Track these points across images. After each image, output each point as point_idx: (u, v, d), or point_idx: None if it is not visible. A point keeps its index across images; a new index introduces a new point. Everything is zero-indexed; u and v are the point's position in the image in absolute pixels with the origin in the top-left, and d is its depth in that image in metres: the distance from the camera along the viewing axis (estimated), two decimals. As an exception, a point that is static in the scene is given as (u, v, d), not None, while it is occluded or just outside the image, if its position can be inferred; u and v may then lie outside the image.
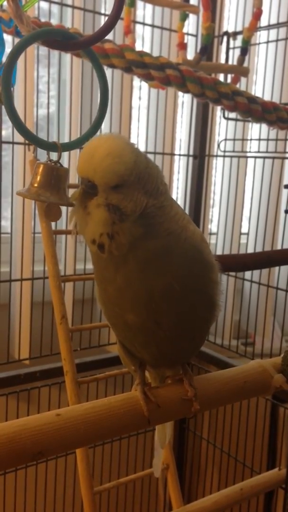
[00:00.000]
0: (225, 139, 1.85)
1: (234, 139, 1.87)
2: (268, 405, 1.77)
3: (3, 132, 1.52)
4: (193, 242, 0.67)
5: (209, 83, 0.88)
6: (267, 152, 1.92)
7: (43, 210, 0.70)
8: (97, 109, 0.69)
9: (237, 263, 1.11)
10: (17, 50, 0.62)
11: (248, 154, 1.92)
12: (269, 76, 1.86)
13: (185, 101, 1.88)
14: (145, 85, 1.80)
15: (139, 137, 1.85)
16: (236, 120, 1.67)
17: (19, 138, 1.55)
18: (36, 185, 0.67)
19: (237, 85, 1.40)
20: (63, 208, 0.75)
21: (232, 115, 1.67)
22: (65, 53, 0.74)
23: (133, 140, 1.78)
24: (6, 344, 1.66)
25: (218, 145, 1.84)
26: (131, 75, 0.88)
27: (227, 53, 1.55)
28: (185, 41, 1.43)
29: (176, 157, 1.89)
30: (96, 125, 0.69)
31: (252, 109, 0.92)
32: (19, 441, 0.59)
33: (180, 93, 1.85)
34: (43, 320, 1.65)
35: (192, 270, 0.66)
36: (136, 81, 1.77)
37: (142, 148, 1.85)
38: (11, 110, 0.63)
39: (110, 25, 0.56)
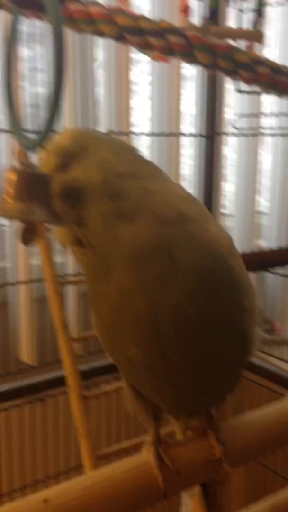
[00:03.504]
0: (240, 115, 1.66)
1: (248, 115, 1.68)
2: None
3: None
4: (214, 247, 0.50)
5: (222, 51, 0.71)
6: (282, 128, 1.74)
7: (18, 232, 0.53)
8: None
9: (260, 261, 0.95)
10: None
11: (265, 131, 1.73)
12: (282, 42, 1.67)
13: (191, 74, 1.69)
14: (145, 58, 1.62)
15: (141, 116, 1.67)
16: (253, 93, 1.48)
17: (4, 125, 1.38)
18: (11, 200, 0.50)
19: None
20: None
21: (246, 87, 1.49)
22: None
23: (134, 119, 1.61)
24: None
25: (231, 123, 1.66)
26: (125, 44, 0.71)
27: (238, 17, 1.36)
28: (189, 4, 1.25)
29: (183, 138, 1.70)
30: (52, 112, 0.51)
31: (277, 81, 0.75)
32: None
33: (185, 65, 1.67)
34: (46, 321, 1.51)
35: (212, 288, 0.49)
36: (135, 53, 1.59)
37: (145, 129, 1.67)
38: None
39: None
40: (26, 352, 1.54)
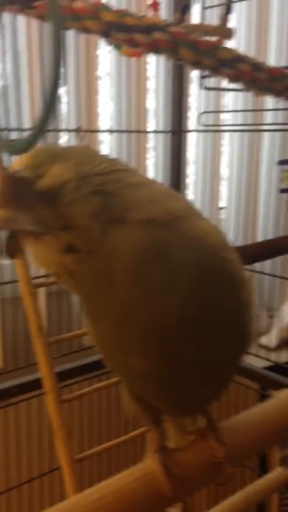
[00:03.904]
0: (205, 112, 1.66)
1: (215, 111, 1.68)
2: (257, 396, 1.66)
3: None
4: (208, 243, 0.49)
5: (206, 48, 0.70)
6: (245, 125, 1.75)
7: (3, 244, 0.49)
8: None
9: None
10: None
11: (232, 128, 1.74)
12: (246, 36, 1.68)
13: (152, 71, 1.68)
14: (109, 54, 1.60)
15: (106, 113, 1.65)
16: (216, 89, 1.48)
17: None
18: None
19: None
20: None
21: (211, 84, 1.49)
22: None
23: (100, 116, 1.59)
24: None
25: (198, 119, 1.65)
26: (109, 41, 0.69)
27: (202, 13, 1.36)
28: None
29: (149, 135, 1.69)
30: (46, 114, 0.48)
31: (257, 78, 0.74)
32: None
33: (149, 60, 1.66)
34: (17, 322, 1.47)
35: (212, 285, 0.48)
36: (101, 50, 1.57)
37: (107, 125, 1.65)
38: None
39: None
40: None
